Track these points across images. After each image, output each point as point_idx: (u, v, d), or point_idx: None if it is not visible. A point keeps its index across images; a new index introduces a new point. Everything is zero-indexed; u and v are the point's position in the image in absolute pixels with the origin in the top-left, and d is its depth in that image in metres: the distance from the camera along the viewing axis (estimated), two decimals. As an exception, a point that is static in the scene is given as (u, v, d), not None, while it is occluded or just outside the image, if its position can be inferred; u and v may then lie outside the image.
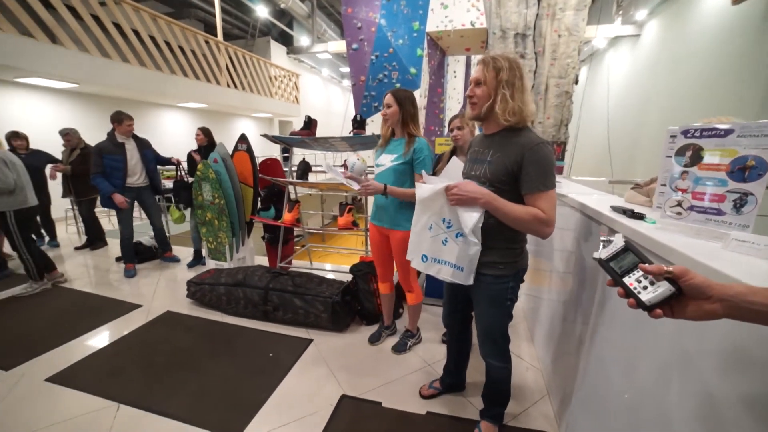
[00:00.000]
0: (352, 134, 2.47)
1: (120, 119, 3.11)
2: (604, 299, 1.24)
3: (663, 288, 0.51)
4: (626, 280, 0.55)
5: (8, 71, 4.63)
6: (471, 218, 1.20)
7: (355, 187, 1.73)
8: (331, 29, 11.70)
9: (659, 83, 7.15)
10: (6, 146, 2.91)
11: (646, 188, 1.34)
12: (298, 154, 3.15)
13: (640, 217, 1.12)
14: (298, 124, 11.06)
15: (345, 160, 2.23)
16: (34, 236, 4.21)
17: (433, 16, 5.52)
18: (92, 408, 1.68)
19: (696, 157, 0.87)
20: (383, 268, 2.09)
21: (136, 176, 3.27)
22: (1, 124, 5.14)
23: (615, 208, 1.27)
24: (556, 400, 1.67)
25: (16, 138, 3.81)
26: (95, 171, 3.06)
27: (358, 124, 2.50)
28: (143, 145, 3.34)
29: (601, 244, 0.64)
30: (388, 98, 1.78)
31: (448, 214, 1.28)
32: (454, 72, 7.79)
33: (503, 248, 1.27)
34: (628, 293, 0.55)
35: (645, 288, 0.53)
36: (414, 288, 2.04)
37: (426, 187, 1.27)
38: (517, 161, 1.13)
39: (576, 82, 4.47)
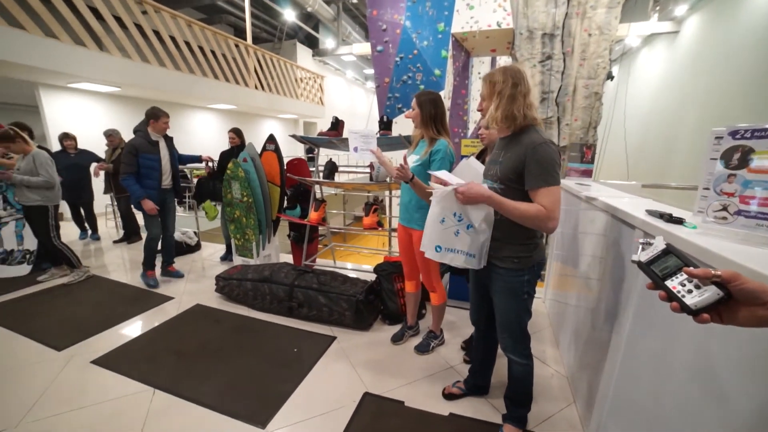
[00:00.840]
0: (378, 135, 2.49)
1: (157, 115, 2.90)
2: (636, 305, 1.20)
3: (710, 292, 0.50)
4: (668, 283, 0.54)
5: (63, 77, 5.00)
6: (478, 214, 1.35)
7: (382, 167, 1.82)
8: (356, 31, 11.83)
9: (699, 82, 6.78)
10: (36, 147, 3.10)
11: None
12: (324, 155, 3.20)
13: (678, 221, 1.08)
14: (321, 125, 11.24)
15: (372, 162, 2.27)
16: (79, 229, 4.57)
17: (459, 17, 5.48)
18: (132, 391, 1.79)
19: (744, 160, 0.83)
20: (409, 267, 2.11)
21: (165, 178, 3.07)
22: (54, 126, 5.58)
23: (651, 212, 1.23)
24: (583, 408, 1.63)
25: (66, 138, 4.14)
26: (128, 171, 2.79)
27: (385, 125, 2.52)
28: (172, 144, 3.17)
29: (640, 246, 0.62)
30: (413, 101, 1.81)
31: (458, 209, 1.39)
32: (479, 73, 7.70)
33: (518, 243, 1.35)
34: (670, 297, 0.53)
35: (690, 292, 0.51)
36: (437, 288, 2.05)
37: (438, 189, 1.38)
38: (522, 160, 1.23)
39: (611, 78, 4.30)
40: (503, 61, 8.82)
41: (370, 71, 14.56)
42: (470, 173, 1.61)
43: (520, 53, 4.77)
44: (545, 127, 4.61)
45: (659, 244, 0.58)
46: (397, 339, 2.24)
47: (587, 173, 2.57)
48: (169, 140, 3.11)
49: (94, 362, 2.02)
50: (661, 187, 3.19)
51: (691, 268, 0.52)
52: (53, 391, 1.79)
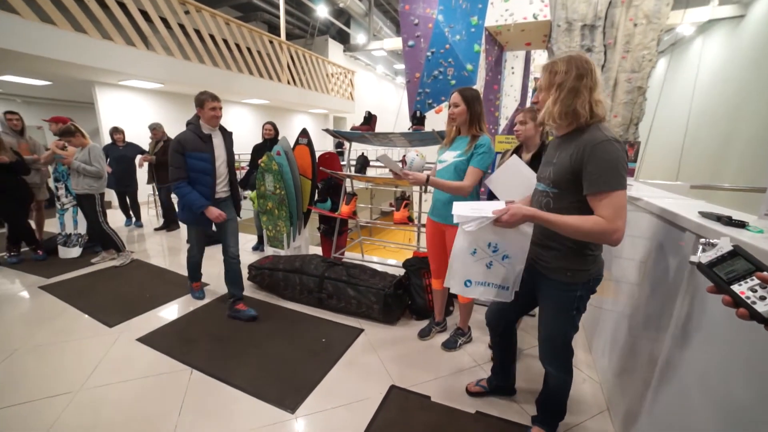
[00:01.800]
0: (411, 130, 2.48)
1: (202, 101, 2.23)
2: (685, 313, 1.12)
3: None
4: (735, 287, 0.50)
5: (115, 75, 5.39)
6: (518, 241, 1.21)
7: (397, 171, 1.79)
8: (387, 26, 11.79)
9: (764, 72, 6.13)
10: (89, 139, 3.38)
11: None
12: (355, 149, 3.23)
13: (740, 224, 0.99)
14: (351, 120, 11.34)
15: (404, 156, 2.26)
16: (125, 216, 4.91)
17: (493, 10, 5.30)
18: (172, 369, 1.91)
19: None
20: (437, 263, 2.09)
21: (220, 183, 2.39)
22: (106, 120, 6.01)
23: (705, 214, 1.14)
24: (619, 418, 1.55)
25: (116, 132, 4.48)
26: (178, 176, 2.20)
27: (418, 120, 2.50)
28: (230, 140, 2.49)
29: (701, 247, 0.58)
30: (455, 97, 1.76)
31: (493, 239, 1.23)
32: (512, 68, 7.45)
33: (573, 254, 1.18)
34: (737, 302, 0.50)
35: (763, 298, 0.47)
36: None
37: (469, 218, 1.17)
38: (579, 159, 1.07)
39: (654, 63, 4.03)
40: (537, 55, 8.47)
41: (400, 66, 14.47)
42: (518, 178, 1.49)
43: (557, 46, 4.56)
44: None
45: (725, 246, 0.54)
46: (424, 334, 2.24)
47: (630, 172, 2.44)
48: (227, 135, 2.45)
49: (140, 339, 2.17)
50: (714, 188, 2.95)
51: (766, 273, 0.48)
52: (105, 363, 1.95)
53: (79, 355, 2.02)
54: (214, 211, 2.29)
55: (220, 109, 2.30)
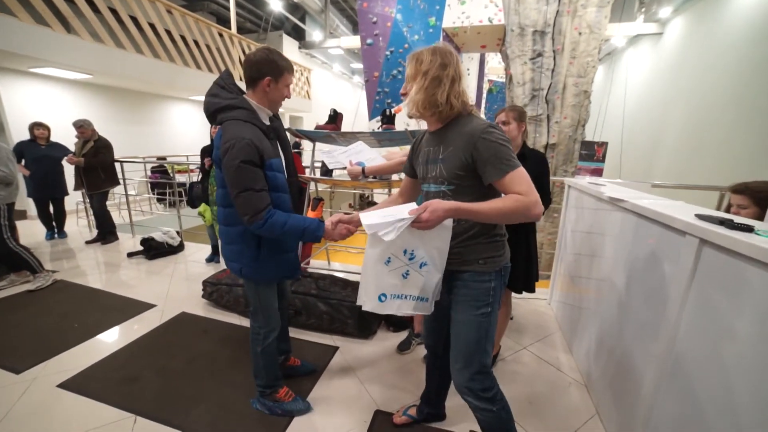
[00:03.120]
0: (380, 129, 2.33)
1: (281, 69, 1.35)
2: (685, 319, 1.09)
3: None
4: None
5: (22, 60, 4.55)
6: (438, 245, 1.10)
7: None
8: (344, 24, 11.56)
9: (682, 84, 6.92)
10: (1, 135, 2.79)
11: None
12: (319, 150, 3.01)
13: (747, 228, 0.96)
14: (308, 120, 10.94)
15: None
16: (46, 228, 4.19)
17: (450, 12, 5.37)
18: (108, 420, 1.56)
19: None
20: None
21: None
22: (14, 115, 5.11)
23: (704, 217, 1.12)
24: (613, 425, 1.52)
25: (38, 127, 3.83)
26: (266, 204, 1.25)
27: (388, 119, 2.36)
28: (282, 130, 1.57)
29: None
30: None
31: (410, 245, 1.10)
32: (468, 69, 7.62)
33: (482, 242, 1.14)
34: None
35: None
36: None
37: (383, 225, 1.04)
38: (469, 151, 1.05)
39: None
40: (491, 57, 8.78)
41: (357, 65, 14.29)
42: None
43: (510, 50, 4.70)
44: (535, 124, 4.57)
45: None
46: (404, 348, 2.09)
47: (597, 172, 2.49)
48: (278, 122, 1.53)
49: (61, 386, 1.75)
50: (672, 187, 3.15)
51: None
52: (9, 425, 1.53)
53: (-26, 416, 1.56)
54: (341, 228, 1.31)
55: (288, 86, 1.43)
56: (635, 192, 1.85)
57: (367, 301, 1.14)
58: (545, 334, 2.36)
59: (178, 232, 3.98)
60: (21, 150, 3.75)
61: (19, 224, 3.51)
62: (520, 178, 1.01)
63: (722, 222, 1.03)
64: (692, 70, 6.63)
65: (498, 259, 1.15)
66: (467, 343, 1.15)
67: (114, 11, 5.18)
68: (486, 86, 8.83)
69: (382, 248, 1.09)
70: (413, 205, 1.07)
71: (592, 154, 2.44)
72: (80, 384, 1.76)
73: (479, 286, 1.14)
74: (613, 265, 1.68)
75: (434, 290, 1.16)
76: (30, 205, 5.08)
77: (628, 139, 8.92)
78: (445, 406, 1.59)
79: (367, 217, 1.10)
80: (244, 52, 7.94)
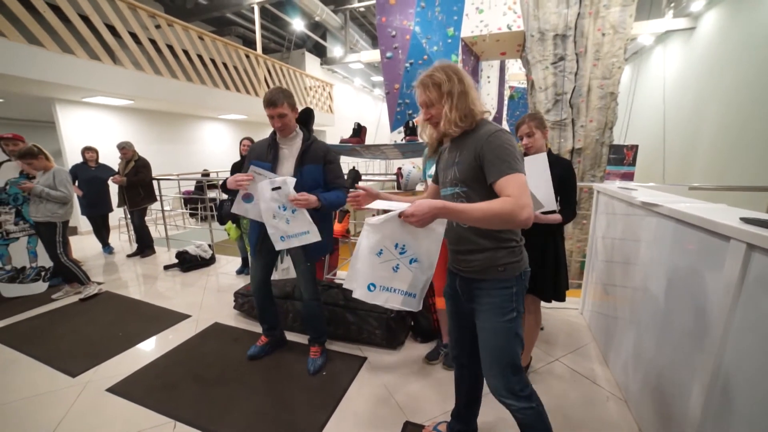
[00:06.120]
0: (404, 141, 2.36)
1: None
2: (736, 330, 1.02)
3: None
4: None
5: (78, 92, 5.01)
6: (428, 245, 1.14)
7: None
8: (363, 39, 11.86)
9: (718, 79, 6.57)
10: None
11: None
12: (345, 163, 3.08)
13: (797, 231, 0.91)
14: (331, 133, 11.21)
15: (399, 168, 2.13)
16: (102, 244, 4.52)
17: (468, 22, 5.39)
18: (151, 424, 1.64)
19: None
20: (442, 281, 1.93)
21: None
22: (69, 141, 5.59)
23: (748, 220, 1.06)
24: (658, 442, 1.44)
25: (88, 151, 4.19)
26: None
27: (410, 131, 2.39)
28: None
29: None
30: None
31: (401, 239, 1.14)
32: (488, 77, 7.59)
33: (499, 248, 1.14)
34: None
35: None
36: None
37: (376, 216, 1.14)
38: (478, 153, 1.09)
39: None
40: (511, 64, 8.70)
41: (378, 78, 14.55)
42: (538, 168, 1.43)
43: (531, 55, 4.65)
44: (559, 129, 4.46)
45: None
46: (432, 358, 2.07)
47: (628, 176, 2.40)
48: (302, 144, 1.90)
49: (110, 390, 1.88)
50: (708, 189, 2.99)
51: None
52: (68, 423, 1.66)
53: (35, 416, 1.71)
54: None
55: (273, 117, 1.76)
56: (671, 196, 1.77)
57: (357, 288, 1.19)
58: (578, 345, 2.27)
59: (210, 246, 4.16)
60: (75, 172, 4.09)
61: (71, 239, 3.79)
62: (515, 181, 1.02)
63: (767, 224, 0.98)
64: (729, 65, 6.28)
65: (517, 265, 1.16)
66: (498, 349, 1.16)
67: (153, 41, 5.61)
68: (507, 93, 8.74)
69: (376, 240, 1.14)
70: (418, 200, 1.09)
71: (622, 158, 2.36)
72: (126, 389, 1.88)
73: (501, 293, 1.15)
74: (650, 273, 1.61)
75: (422, 288, 1.20)
76: (81, 222, 5.49)
77: (661, 140, 8.53)
78: (477, 424, 1.54)
79: (380, 203, 1.20)
80: (269, 71, 8.30)
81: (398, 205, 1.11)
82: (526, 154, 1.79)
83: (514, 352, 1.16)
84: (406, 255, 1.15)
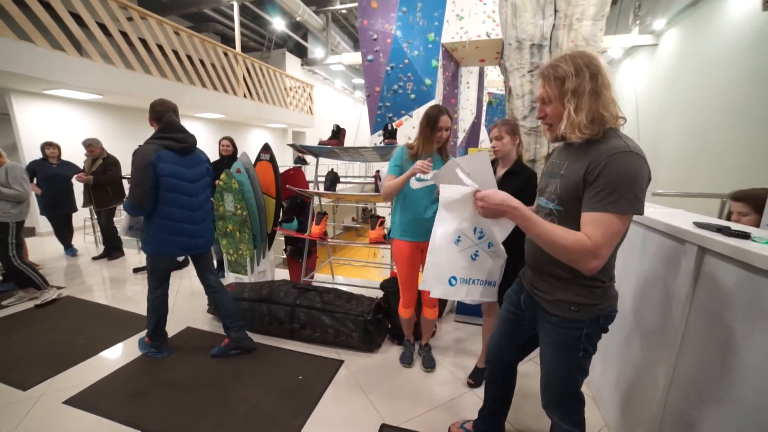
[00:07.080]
0: (383, 144, 2.38)
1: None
2: (693, 328, 1.09)
3: None
4: None
5: (37, 83, 4.70)
6: (501, 229, 1.07)
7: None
8: (345, 41, 11.84)
9: (680, 93, 7.00)
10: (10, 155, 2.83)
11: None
12: (323, 165, 3.06)
13: (743, 235, 0.98)
14: (310, 135, 11.10)
15: (377, 171, 2.13)
16: (64, 246, 4.24)
17: (449, 28, 5.50)
18: (115, 435, 1.56)
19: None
20: (412, 292, 1.93)
21: None
22: (27, 136, 5.24)
23: (702, 225, 1.13)
24: (621, 437, 1.50)
25: (49, 147, 3.93)
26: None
27: (390, 134, 2.41)
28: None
29: None
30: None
31: (478, 222, 1.06)
32: (467, 83, 7.75)
33: (577, 285, 0.98)
34: None
35: None
36: (437, 303, 2.01)
37: (452, 188, 1.02)
38: (592, 169, 0.88)
39: None
40: (490, 70, 8.93)
41: (359, 81, 14.55)
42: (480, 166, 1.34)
43: (509, 63, 4.79)
44: (535, 136, 4.61)
45: None
46: (407, 361, 2.08)
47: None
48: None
49: (68, 402, 1.75)
50: (671, 195, 3.15)
51: None
52: (19, 440, 1.53)
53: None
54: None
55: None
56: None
57: (435, 286, 1.11)
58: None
59: (183, 247, 4.01)
60: (33, 169, 3.83)
61: (28, 241, 3.56)
62: (607, 225, 0.85)
63: (719, 229, 1.05)
64: (689, 80, 6.71)
65: (594, 308, 0.98)
66: (560, 379, 1.09)
67: (124, 34, 5.37)
68: (486, 99, 8.96)
69: (454, 226, 1.07)
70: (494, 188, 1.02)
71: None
72: (87, 400, 1.77)
73: (569, 333, 1.01)
74: (620, 276, 1.68)
75: (499, 274, 1.13)
76: (39, 222, 5.16)
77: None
78: (505, 426, 1.48)
79: (452, 188, 1.06)
80: (248, 70, 8.14)
81: (472, 184, 1.01)
82: (494, 160, 1.84)
83: (575, 383, 1.08)
84: (484, 239, 1.08)
